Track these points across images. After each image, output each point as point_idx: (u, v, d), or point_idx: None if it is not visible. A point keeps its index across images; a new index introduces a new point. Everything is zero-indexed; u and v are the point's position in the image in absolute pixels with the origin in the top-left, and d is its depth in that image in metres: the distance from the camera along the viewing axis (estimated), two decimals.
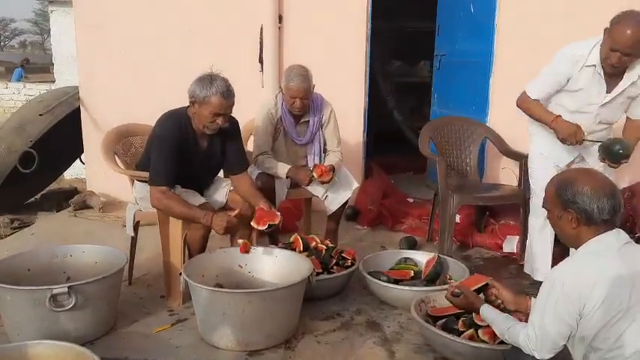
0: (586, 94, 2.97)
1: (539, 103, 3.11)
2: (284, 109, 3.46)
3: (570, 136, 2.94)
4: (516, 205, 3.83)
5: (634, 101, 2.99)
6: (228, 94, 2.77)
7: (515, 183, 4.05)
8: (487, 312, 2.19)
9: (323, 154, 3.63)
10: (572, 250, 2.03)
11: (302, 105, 3.38)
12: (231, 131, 2.99)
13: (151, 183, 2.84)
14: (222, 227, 2.74)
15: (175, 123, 2.86)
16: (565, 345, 1.86)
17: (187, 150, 2.89)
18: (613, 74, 2.88)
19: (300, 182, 3.43)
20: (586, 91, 2.96)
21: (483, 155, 4.59)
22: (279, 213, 2.93)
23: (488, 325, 2.39)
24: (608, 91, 2.92)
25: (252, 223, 2.88)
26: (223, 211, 2.88)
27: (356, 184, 3.63)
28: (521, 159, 3.78)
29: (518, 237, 3.85)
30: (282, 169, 3.41)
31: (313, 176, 3.37)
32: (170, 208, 2.81)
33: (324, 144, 3.62)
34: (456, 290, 2.40)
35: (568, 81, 2.98)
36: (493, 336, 2.34)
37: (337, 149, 3.62)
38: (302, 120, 3.52)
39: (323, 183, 3.38)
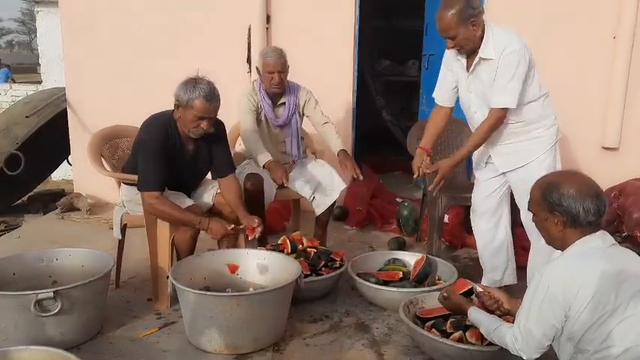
0: (460, 82, 2.89)
1: (433, 117, 3.09)
2: (262, 93, 3.53)
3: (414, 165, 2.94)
4: None
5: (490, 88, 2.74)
6: (211, 97, 2.75)
7: None
8: (475, 313, 2.21)
9: (301, 141, 3.70)
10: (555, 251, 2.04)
11: (280, 80, 3.44)
12: (217, 134, 2.97)
13: (141, 189, 2.83)
14: (220, 233, 2.78)
15: (160, 127, 2.84)
16: (551, 345, 1.87)
17: (173, 154, 2.87)
18: (469, 56, 2.76)
19: (274, 179, 3.39)
20: (460, 79, 2.88)
21: (472, 155, 4.59)
22: (257, 222, 2.89)
23: (476, 327, 2.41)
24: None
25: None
26: (218, 218, 2.87)
27: (343, 185, 3.62)
28: None
29: None
30: (263, 157, 3.39)
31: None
32: (164, 214, 2.81)
33: (301, 125, 3.69)
34: (445, 294, 2.45)
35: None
36: (480, 337, 2.35)
37: (326, 119, 3.68)
38: (279, 102, 3.58)
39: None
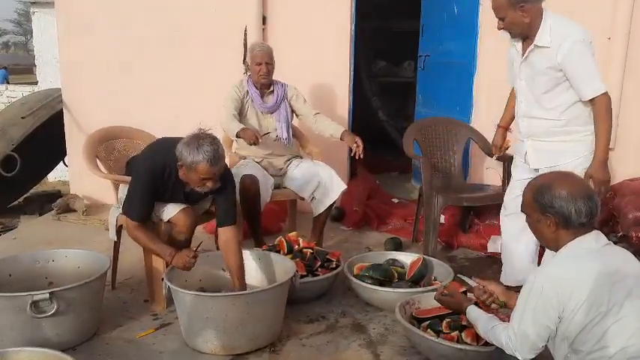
0: (515, 68, 2.90)
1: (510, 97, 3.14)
2: (250, 84, 3.62)
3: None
4: (500, 205, 3.84)
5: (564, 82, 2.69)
6: (215, 161, 2.61)
7: (499, 183, 4.07)
8: (472, 312, 2.21)
9: (291, 129, 3.72)
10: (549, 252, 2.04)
11: (267, 70, 3.54)
12: (222, 182, 2.80)
13: (123, 212, 2.87)
14: (183, 266, 2.69)
15: (157, 167, 2.77)
16: (546, 346, 1.88)
17: (166, 190, 2.84)
18: (524, 42, 2.77)
19: (246, 140, 3.33)
20: (515, 65, 2.89)
21: (468, 156, 4.61)
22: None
23: (470, 328, 2.42)
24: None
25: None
26: (187, 249, 2.77)
27: (343, 186, 3.62)
28: (505, 160, 3.80)
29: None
30: (236, 126, 3.38)
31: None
32: (138, 240, 2.82)
33: (292, 115, 3.73)
34: (445, 292, 2.46)
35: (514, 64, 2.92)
36: (476, 337, 2.36)
37: (317, 112, 3.74)
38: (267, 91, 3.64)
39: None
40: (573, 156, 2.75)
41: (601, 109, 2.65)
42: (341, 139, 3.60)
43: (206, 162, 2.58)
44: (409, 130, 4.10)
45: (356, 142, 3.49)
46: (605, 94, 2.65)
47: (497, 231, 4.00)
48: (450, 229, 4.11)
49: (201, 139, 2.62)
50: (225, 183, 2.84)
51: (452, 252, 3.99)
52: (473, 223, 4.26)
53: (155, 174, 2.76)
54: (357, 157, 3.51)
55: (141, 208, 2.78)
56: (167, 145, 2.77)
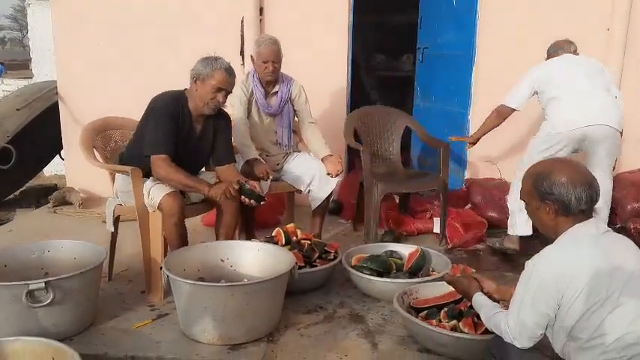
0: None
1: None
2: (255, 81, 3.55)
3: None
4: (437, 191, 3.95)
5: None
6: (231, 71, 2.93)
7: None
8: (478, 299, 2.18)
9: (292, 133, 3.73)
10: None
11: (274, 69, 3.48)
12: (223, 123, 3.10)
13: (149, 153, 2.87)
14: (218, 194, 2.82)
15: (172, 98, 2.94)
16: (545, 334, 1.87)
17: (182, 129, 2.94)
18: None
19: (255, 171, 3.36)
20: None
21: (419, 143, 4.83)
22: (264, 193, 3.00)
23: (469, 316, 2.41)
24: None
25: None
26: (223, 182, 2.94)
27: (338, 178, 3.61)
28: (441, 146, 3.91)
29: (439, 219, 3.98)
30: (249, 153, 3.44)
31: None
32: (171, 176, 2.85)
33: (294, 117, 3.72)
34: (461, 274, 2.52)
35: None
36: (473, 326, 2.36)
37: (313, 120, 3.74)
38: (272, 91, 3.59)
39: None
40: None
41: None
42: (322, 160, 3.60)
43: (223, 70, 2.89)
44: (348, 120, 4.18)
45: (333, 172, 3.52)
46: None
47: (436, 214, 4.12)
48: (392, 216, 4.18)
49: (216, 56, 2.93)
50: (226, 124, 3.13)
51: (448, 245, 3.95)
52: (415, 208, 4.34)
53: (171, 105, 2.92)
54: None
55: (167, 138, 2.86)
56: (170, 91, 3.01)
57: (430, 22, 5.06)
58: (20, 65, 18.85)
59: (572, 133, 3.28)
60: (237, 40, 4.59)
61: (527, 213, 1.98)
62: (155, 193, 2.87)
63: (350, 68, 4.75)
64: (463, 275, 2.47)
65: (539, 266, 1.79)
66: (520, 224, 3.48)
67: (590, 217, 1.84)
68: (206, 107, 2.93)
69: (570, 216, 1.83)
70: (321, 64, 4.61)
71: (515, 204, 3.46)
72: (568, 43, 3.54)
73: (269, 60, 3.44)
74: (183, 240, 2.94)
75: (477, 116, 4.41)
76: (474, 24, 4.46)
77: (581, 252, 1.77)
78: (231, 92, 2.99)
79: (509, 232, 3.58)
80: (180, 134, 2.93)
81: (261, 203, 2.96)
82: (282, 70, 3.61)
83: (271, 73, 3.48)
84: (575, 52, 3.53)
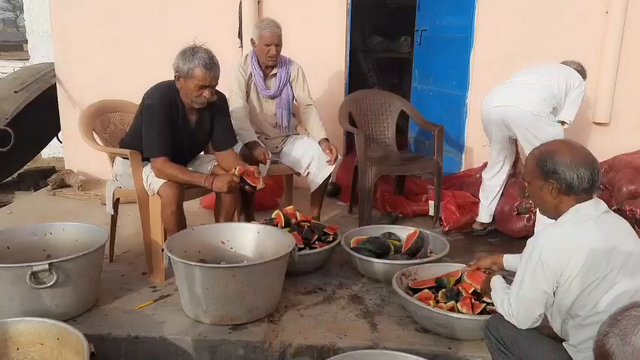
0: None
1: None
2: (254, 64, 3.54)
3: None
4: (431, 174, 3.99)
5: None
6: (211, 65, 2.78)
7: None
8: (495, 281, 2.18)
9: (292, 116, 3.72)
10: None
11: (276, 52, 3.48)
12: (219, 107, 3.02)
13: (147, 155, 2.87)
14: (227, 187, 2.81)
15: (165, 93, 2.87)
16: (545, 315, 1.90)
17: (176, 122, 2.90)
18: None
19: (254, 155, 3.39)
20: None
21: (416, 127, 4.90)
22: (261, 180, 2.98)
23: (466, 297, 2.45)
24: None
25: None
26: (227, 174, 2.92)
27: (338, 160, 3.63)
28: (435, 130, 3.94)
29: (434, 201, 4.03)
30: (247, 136, 3.45)
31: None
32: (172, 175, 2.84)
33: (293, 99, 3.71)
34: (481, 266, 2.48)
35: None
36: (471, 307, 2.40)
37: (311, 102, 3.73)
38: (271, 73, 3.60)
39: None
40: None
41: None
42: (320, 143, 3.63)
43: (202, 67, 2.74)
44: (344, 104, 4.20)
45: (331, 150, 3.55)
46: None
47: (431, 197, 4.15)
48: (387, 198, 4.22)
49: (196, 48, 2.78)
50: (222, 107, 3.06)
51: (445, 228, 3.97)
52: (410, 191, 4.40)
53: (164, 101, 2.84)
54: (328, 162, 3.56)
55: (163, 140, 2.83)
56: (163, 81, 2.93)
57: (428, 4, 5.05)
58: (13, 47, 18.62)
59: (487, 112, 3.49)
60: (235, 22, 4.57)
61: (530, 193, 2.02)
62: (153, 180, 2.89)
63: (348, 50, 4.74)
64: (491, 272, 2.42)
65: (540, 244, 1.83)
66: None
67: (591, 197, 1.88)
68: (194, 103, 2.87)
69: (572, 195, 1.86)
70: (318, 46, 4.60)
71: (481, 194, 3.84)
72: (574, 62, 3.63)
73: (272, 43, 3.44)
74: (181, 227, 2.95)
75: (474, 99, 4.42)
76: (473, 6, 4.45)
77: (580, 231, 1.81)
78: (216, 85, 2.89)
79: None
80: (176, 126, 2.89)
81: (258, 189, 2.98)
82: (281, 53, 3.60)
83: (273, 57, 3.48)
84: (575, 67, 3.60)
